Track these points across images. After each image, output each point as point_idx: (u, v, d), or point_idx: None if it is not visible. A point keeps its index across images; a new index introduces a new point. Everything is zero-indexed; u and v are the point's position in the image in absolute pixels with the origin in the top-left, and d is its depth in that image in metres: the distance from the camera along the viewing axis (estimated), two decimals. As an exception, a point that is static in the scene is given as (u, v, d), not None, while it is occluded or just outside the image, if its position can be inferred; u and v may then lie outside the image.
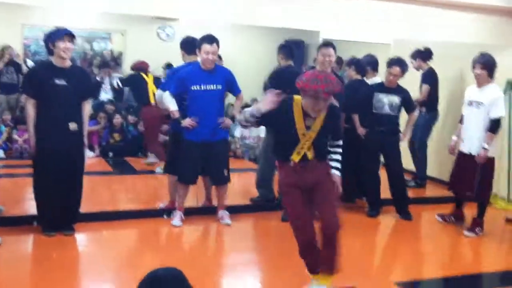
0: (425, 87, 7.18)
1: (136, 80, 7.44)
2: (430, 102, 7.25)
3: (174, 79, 5.36)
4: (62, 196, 4.87)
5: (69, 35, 4.77)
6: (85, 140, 5.02)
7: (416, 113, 6.47)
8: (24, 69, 8.37)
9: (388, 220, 6.09)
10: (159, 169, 7.11)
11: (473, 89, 5.67)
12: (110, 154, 8.44)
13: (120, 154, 8.38)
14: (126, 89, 8.84)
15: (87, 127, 5.10)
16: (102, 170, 7.53)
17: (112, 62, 9.85)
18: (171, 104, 5.29)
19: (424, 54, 7.24)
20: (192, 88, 5.20)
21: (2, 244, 4.59)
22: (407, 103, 6.08)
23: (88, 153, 7.28)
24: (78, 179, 4.98)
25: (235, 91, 5.48)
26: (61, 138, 4.77)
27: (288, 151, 3.71)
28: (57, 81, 4.75)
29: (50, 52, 4.84)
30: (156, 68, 9.28)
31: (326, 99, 3.53)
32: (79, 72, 5.09)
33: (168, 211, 5.54)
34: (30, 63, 8.72)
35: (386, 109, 5.98)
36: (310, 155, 3.71)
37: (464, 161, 5.66)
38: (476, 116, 5.51)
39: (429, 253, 5.32)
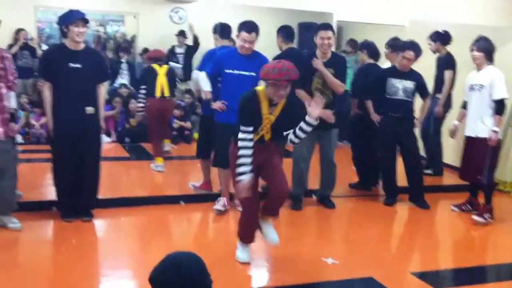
0: (449, 73, 6.89)
1: (148, 74, 7.27)
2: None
3: (212, 61, 5.36)
4: (80, 181, 4.94)
5: (83, 19, 4.77)
6: (102, 124, 5.07)
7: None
8: (39, 53, 8.39)
9: (404, 208, 6.07)
10: (153, 166, 6.96)
11: (473, 73, 5.64)
12: (127, 139, 8.48)
13: (137, 140, 8.40)
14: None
15: (103, 111, 5.14)
16: (119, 156, 7.57)
17: (125, 44, 9.85)
18: (205, 85, 5.28)
19: (443, 37, 6.98)
20: (226, 71, 5.18)
21: (22, 230, 4.67)
22: (421, 88, 5.98)
23: (105, 139, 7.33)
24: (96, 163, 5.02)
25: None
26: (78, 122, 4.81)
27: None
28: (72, 65, 4.77)
29: (64, 34, 4.85)
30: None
31: (286, 86, 3.90)
32: (93, 54, 5.11)
33: (185, 198, 5.57)
34: (44, 47, 8.74)
35: (400, 94, 5.89)
36: (267, 136, 4.09)
37: (471, 145, 5.62)
38: (478, 99, 5.51)
39: (445, 242, 5.34)
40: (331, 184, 5.89)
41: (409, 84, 5.89)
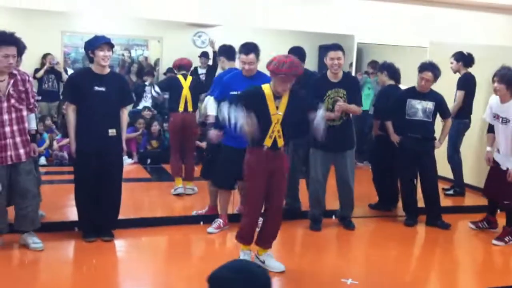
0: (460, 93, 6.95)
1: (172, 84, 7.00)
2: (463, 108, 7.02)
3: (219, 85, 5.46)
4: (101, 202, 5.00)
5: (108, 44, 4.89)
6: (124, 146, 5.14)
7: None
8: (64, 77, 8.54)
9: (425, 229, 6.01)
10: (172, 190, 6.78)
11: (497, 101, 5.50)
12: (148, 161, 8.58)
13: (158, 161, 8.48)
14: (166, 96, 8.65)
15: (125, 133, 5.22)
16: (140, 177, 7.65)
17: (148, 68, 9.98)
18: (211, 109, 5.40)
19: (466, 59, 7.00)
20: (232, 93, 5.22)
21: (44, 250, 4.72)
22: (441, 108, 5.96)
23: (127, 160, 7.39)
24: (117, 184, 5.10)
25: None
26: (101, 143, 4.90)
27: (262, 133, 4.14)
28: (97, 88, 4.88)
29: (90, 59, 4.98)
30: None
31: (291, 80, 4.12)
32: (118, 79, 5.22)
33: (205, 218, 5.59)
34: (70, 71, 8.90)
35: (420, 115, 5.87)
36: (280, 142, 4.22)
37: (500, 173, 5.54)
38: (505, 132, 5.43)
39: (466, 264, 5.25)
40: (349, 205, 5.85)
41: (429, 105, 5.87)
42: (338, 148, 5.56)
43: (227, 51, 5.99)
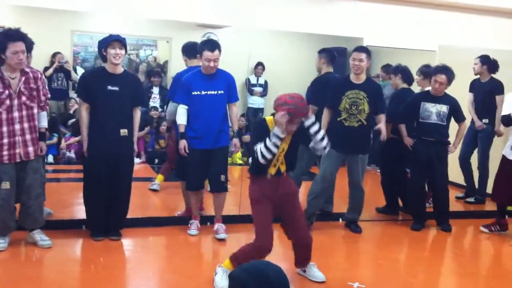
0: (500, 98, 6.79)
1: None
2: (493, 114, 6.95)
3: (179, 87, 5.35)
4: (111, 201, 5.02)
5: (119, 41, 4.89)
6: (135, 147, 5.15)
7: (466, 122, 6.23)
8: (73, 75, 8.60)
9: (432, 234, 6.01)
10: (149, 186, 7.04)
11: None
12: (156, 160, 8.58)
13: (165, 161, 8.47)
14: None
15: (137, 134, 5.23)
16: (148, 176, 7.67)
17: (157, 69, 10.01)
18: (182, 118, 5.27)
19: (492, 65, 6.95)
20: (193, 93, 5.20)
21: (52, 247, 4.75)
22: (455, 112, 5.95)
23: (135, 160, 7.40)
24: (127, 185, 5.11)
25: (233, 97, 5.38)
26: (112, 143, 4.91)
27: (264, 165, 4.03)
28: (110, 87, 4.90)
29: (104, 58, 4.99)
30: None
31: (298, 122, 3.97)
32: (131, 79, 5.21)
33: (211, 219, 5.61)
34: (80, 70, 8.95)
35: (434, 118, 5.87)
36: (282, 168, 4.12)
37: (508, 174, 5.61)
38: None
39: (475, 268, 5.23)
40: (358, 209, 5.84)
41: (443, 108, 5.87)
42: (352, 150, 5.55)
43: (189, 50, 5.78)
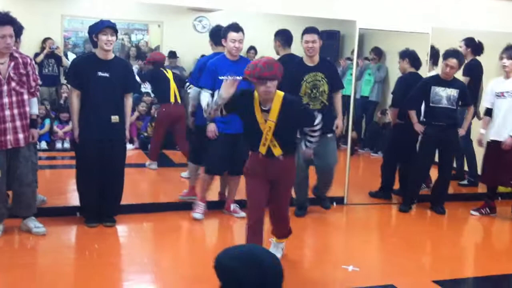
0: (465, 79, 6.75)
1: (158, 76, 7.31)
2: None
3: (205, 72, 5.32)
4: (104, 188, 5.01)
5: (110, 28, 4.84)
6: (127, 133, 5.12)
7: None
8: (64, 61, 8.53)
9: (425, 216, 6.05)
10: (147, 164, 7.34)
11: (499, 81, 5.88)
12: (149, 146, 8.53)
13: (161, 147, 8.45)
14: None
15: (129, 120, 5.20)
16: (140, 162, 7.65)
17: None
18: (205, 103, 5.24)
19: (476, 47, 6.90)
20: (220, 77, 5.16)
21: (46, 234, 4.74)
22: (464, 96, 5.95)
23: (128, 146, 7.40)
24: (120, 171, 5.09)
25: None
26: (104, 129, 4.88)
27: (254, 141, 3.95)
28: (100, 73, 4.85)
29: (94, 44, 4.93)
30: (193, 61, 9.37)
31: (266, 83, 3.76)
32: (122, 65, 5.16)
33: (207, 204, 5.60)
34: (71, 55, 8.87)
35: (444, 102, 5.85)
36: (276, 151, 3.92)
37: (495, 156, 5.78)
38: (509, 105, 5.73)
39: (468, 250, 5.28)
40: (327, 185, 5.82)
41: (453, 92, 5.87)
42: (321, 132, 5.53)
43: (216, 35, 5.72)
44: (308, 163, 5.55)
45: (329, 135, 5.55)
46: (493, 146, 5.84)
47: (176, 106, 7.20)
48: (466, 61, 6.91)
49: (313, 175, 5.79)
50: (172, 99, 7.17)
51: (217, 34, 5.60)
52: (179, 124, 7.25)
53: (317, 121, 4.06)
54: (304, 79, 5.39)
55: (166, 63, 8.63)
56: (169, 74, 7.28)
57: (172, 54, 9.18)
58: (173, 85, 7.19)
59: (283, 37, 5.85)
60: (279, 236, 4.43)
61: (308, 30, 5.42)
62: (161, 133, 7.37)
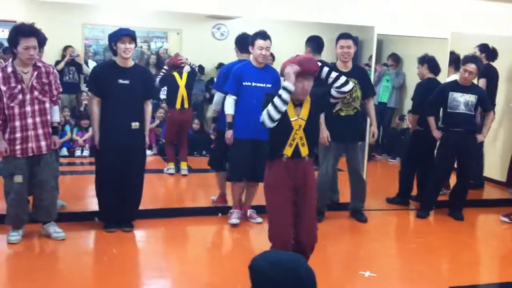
0: (482, 81, 6.75)
1: (169, 80, 7.42)
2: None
3: (231, 78, 5.36)
4: (123, 193, 5.05)
5: (128, 36, 4.90)
6: (147, 139, 5.18)
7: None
8: (85, 69, 8.65)
9: (442, 222, 5.99)
10: (165, 169, 7.49)
11: None
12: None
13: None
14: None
15: (148, 126, 5.25)
16: (159, 168, 7.71)
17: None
18: (230, 108, 5.31)
19: (490, 53, 6.89)
20: (244, 83, 5.25)
21: (65, 239, 4.80)
22: (483, 101, 5.91)
23: (147, 152, 7.49)
24: (139, 177, 5.14)
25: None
26: (124, 136, 4.93)
27: (283, 141, 3.71)
28: (121, 81, 4.92)
29: (114, 52, 5.00)
30: (211, 69, 9.45)
31: (309, 79, 3.65)
32: (142, 72, 5.22)
33: (222, 209, 5.63)
34: (92, 63, 8.99)
35: (462, 108, 5.81)
36: (303, 151, 3.72)
37: None
38: None
39: (486, 256, 5.22)
40: (362, 197, 5.84)
41: (471, 98, 5.82)
42: (352, 139, 5.55)
43: (242, 42, 5.72)
44: (334, 168, 5.59)
45: (360, 142, 5.58)
46: None
47: (182, 112, 7.32)
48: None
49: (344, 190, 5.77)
50: (178, 105, 7.28)
51: (243, 42, 5.64)
52: (185, 127, 7.53)
53: (325, 71, 3.96)
54: None
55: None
56: (182, 80, 7.34)
57: (200, 71, 9.18)
58: (182, 91, 7.27)
59: (314, 43, 5.90)
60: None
61: (344, 36, 5.48)
62: (170, 138, 7.59)
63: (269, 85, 5.25)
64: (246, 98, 5.25)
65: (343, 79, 4.00)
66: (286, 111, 3.65)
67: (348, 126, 5.45)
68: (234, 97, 5.28)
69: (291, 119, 3.70)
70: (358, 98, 5.49)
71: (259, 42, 5.21)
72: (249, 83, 5.26)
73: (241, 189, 5.53)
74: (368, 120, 5.91)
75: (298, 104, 3.73)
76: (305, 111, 3.73)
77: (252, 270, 1.98)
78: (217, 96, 5.65)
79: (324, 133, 5.39)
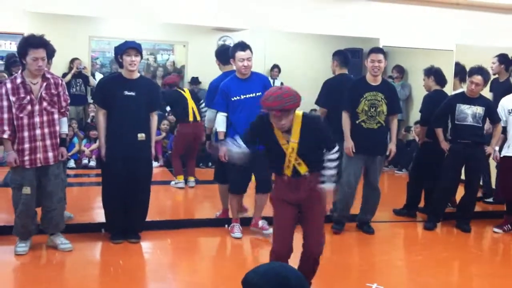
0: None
1: (176, 97, 7.47)
2: None
3: (218, 95, 5.35)
4: (130, 205, 5.06)
5: (134, 48, 4.93)
6: (153, 151, 5.19)
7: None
8: (92, 81, 8.71)
9: (450, 234, 5.97)
10: (173, 183, 7.44)
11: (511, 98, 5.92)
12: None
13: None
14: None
15: (154, 138, 5.27)
16: (165, 180, 7.72)
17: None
18: (221, 125, 5.32)
19: (509, 63, 6.81)
20: (233, 99, 5.24)
21: (72, 250, 4.80)
22: (491, 113, 5.89)
23: (153, 163, 7.51)
24: (146, 188, 5.15)
25: None
26: (130, 147, 4.95)
27: (279, 165, 3.72)
28: (127, 93, 4.94)
29: (120, 64, 5.04)
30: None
31: (276, 115, 3.52)
32: (148, 83, 5.25)
33: (228, 221, 5.63)
34: (98, 75, 9.05)
35: (469, 120, 5.81)
36: (302, 169, 3.69)
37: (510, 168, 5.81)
38: None
39: (493, 268, 5.18)
40: (373, 210, 5.82)
41: (479, 110, 5.81)
42: (373, 152, 5.55)
43: (222, 55, 5.75)
44: (357, 179, 5.60)
45: (379, 157, 5.60)
46: (508, 161, 5.85)
47: (195, 125, 7.32)
48: (498, 79, 6.87)
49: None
50: (191, 118, 7.31)
51: (224, 54, 5.65)
52: (197, 141, 7.41)
53: (335, 150, 3.80)
54: (364, 96, 5.46)
55: (187, 87, 8.83)
56: (186, 93, 7.40)
57: (194, 80, 9.31)
58: (191, 103, 7.32)
59: (342, 57, 5.99)
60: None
61: (375, 50, 5.52)
62: (179, 151, 7.56)
63: (259, 93, 5.11)
64: (238, 112, 5.24)
65: (334, 157, 3.81)
66: (275, 138, 3.66)
67: (369, 139, 5.45)
68: (225, 114, 5.29)
69: (281, 144, 3.68)
70: (383, 113, 5.49)
71: (239, 54, 5.19)
72: (238, 97, 5.25)
73: (239, 201, 5.54)
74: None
75: (286, 131, 3.66)
76: (295, 134, 3.66)
77: (244, 285, 1.99)
78: (209, 112, 5.65)
79: (349, 144, 5.44)
